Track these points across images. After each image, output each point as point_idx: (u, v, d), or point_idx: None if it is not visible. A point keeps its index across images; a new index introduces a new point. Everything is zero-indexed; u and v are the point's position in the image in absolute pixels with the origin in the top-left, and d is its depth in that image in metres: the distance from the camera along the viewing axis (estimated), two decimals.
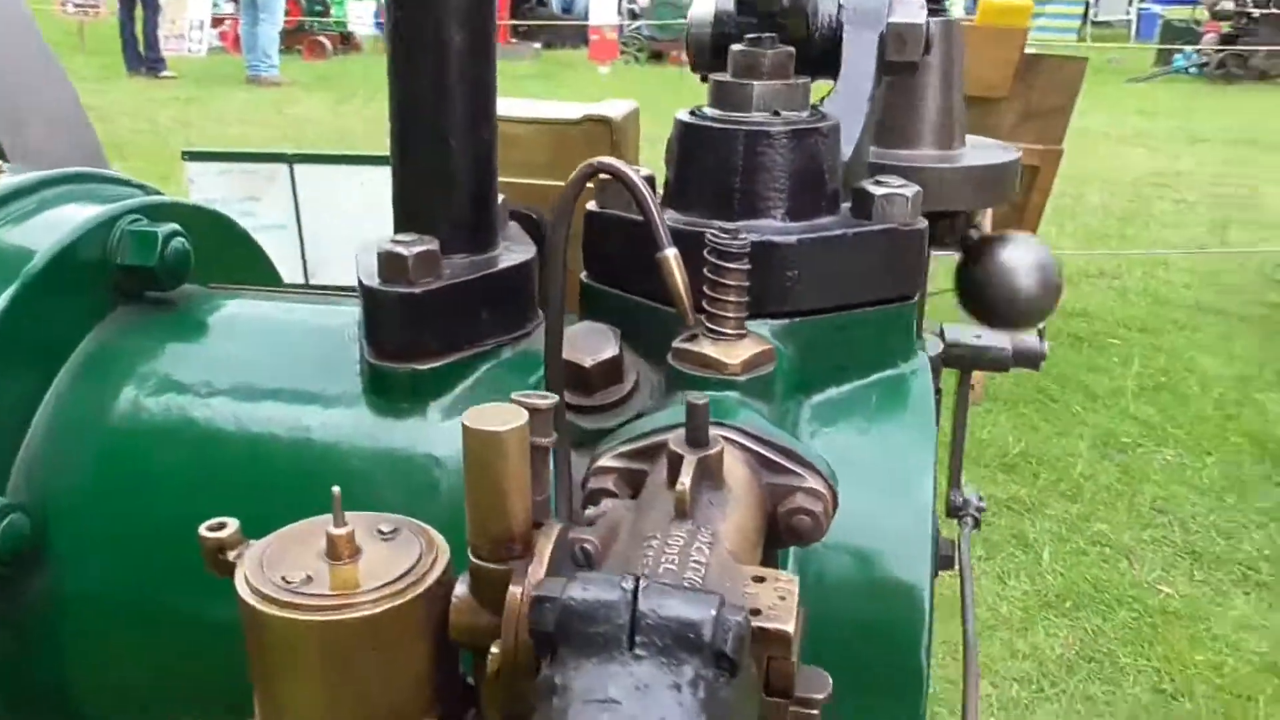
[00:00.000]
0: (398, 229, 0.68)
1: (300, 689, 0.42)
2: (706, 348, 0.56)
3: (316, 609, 0.41)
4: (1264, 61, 11.96)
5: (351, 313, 0.70)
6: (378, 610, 0.42)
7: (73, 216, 0.68)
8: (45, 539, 0.61)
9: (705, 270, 0.56)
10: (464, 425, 0.43)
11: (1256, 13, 12.07)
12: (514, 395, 0.43)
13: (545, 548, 0.43)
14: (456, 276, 0.64)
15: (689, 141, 0.63)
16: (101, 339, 0.68)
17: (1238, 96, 10.92)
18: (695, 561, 0.40)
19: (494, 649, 0.42)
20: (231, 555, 0.44)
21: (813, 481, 0.49)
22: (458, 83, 0.65)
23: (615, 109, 0.91)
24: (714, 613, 0.36)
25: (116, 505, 0.63)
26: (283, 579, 0.42)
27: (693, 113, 0.65)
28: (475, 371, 0.64)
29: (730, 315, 0.56)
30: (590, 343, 0.60)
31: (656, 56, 13.81)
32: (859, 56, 0.68)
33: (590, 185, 0.63)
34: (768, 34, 0.64)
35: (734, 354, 0.55)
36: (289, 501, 0.51)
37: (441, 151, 0.66)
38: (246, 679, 0.43)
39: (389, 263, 0.63)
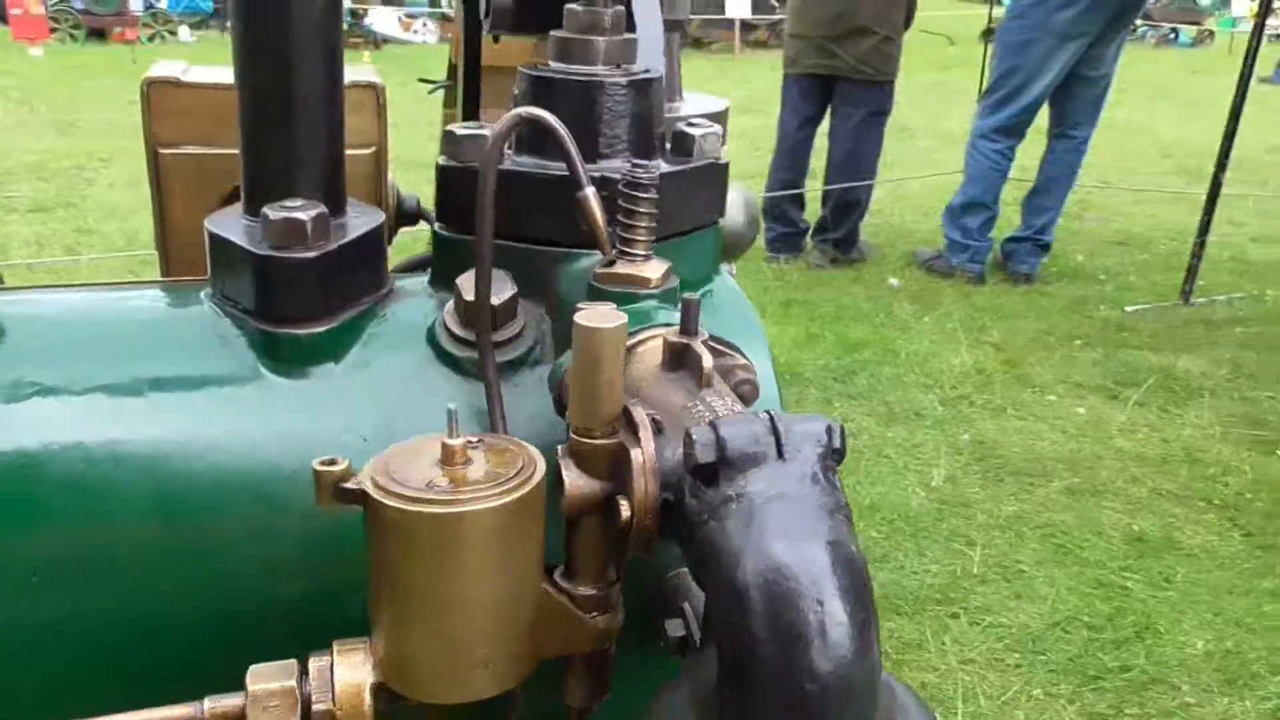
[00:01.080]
0: (251, 199, 0.69)
1: (449, 576, 0.49)
2: (626, 268, 0.64)
3: (460, 503, 0.49)
4: (697, 29, 13.40)
5: (191, 293, 0.71)
6: (513, 497, 0.50)
7: None
8: None
9: (620, 201, 0.65)
10: (579, 325, 0.52)
11: None
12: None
13: (643, 418, 0.53)
14: (341, 238, 0.66)
15: (541, 93, 0.69)
16: None
17: None
18: (739, 409, 0.54)
19: (623, 504, 0.52)
20: (352, 483, 0.50)
21: (742, 359, 0.63)
22: (313, 54, 0.67)
23: (370, 73, 0.95)
24: (827, 424, 0.50)
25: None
26: (427, 484, 0.49)
27: (536, 68, 0.73)
28: (364, 329, 0.67)
29: (642, 239, 0.65)
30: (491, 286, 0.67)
31: (97, 34, 12.58)
32: (648, 17, 0.80)
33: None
34: None
35: (649, 271, 0.64)
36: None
37: (304, 119, 0.68)
38: None
39: (286, 228, 0.64)
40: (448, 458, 0.51)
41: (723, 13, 11.98)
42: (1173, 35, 16.32)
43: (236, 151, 0.75)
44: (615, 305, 0.55)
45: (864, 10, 4.73)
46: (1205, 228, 4.75)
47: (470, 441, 0.52)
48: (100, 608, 0.60)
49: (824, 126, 5.16)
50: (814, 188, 5.36)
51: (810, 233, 5.22)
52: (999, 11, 7.01)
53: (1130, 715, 2.20)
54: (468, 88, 0.96)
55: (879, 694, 0.47)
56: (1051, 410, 3.63)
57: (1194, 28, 16.42)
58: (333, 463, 0.51)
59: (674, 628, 0.56)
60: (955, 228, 4.94)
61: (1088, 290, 4.87)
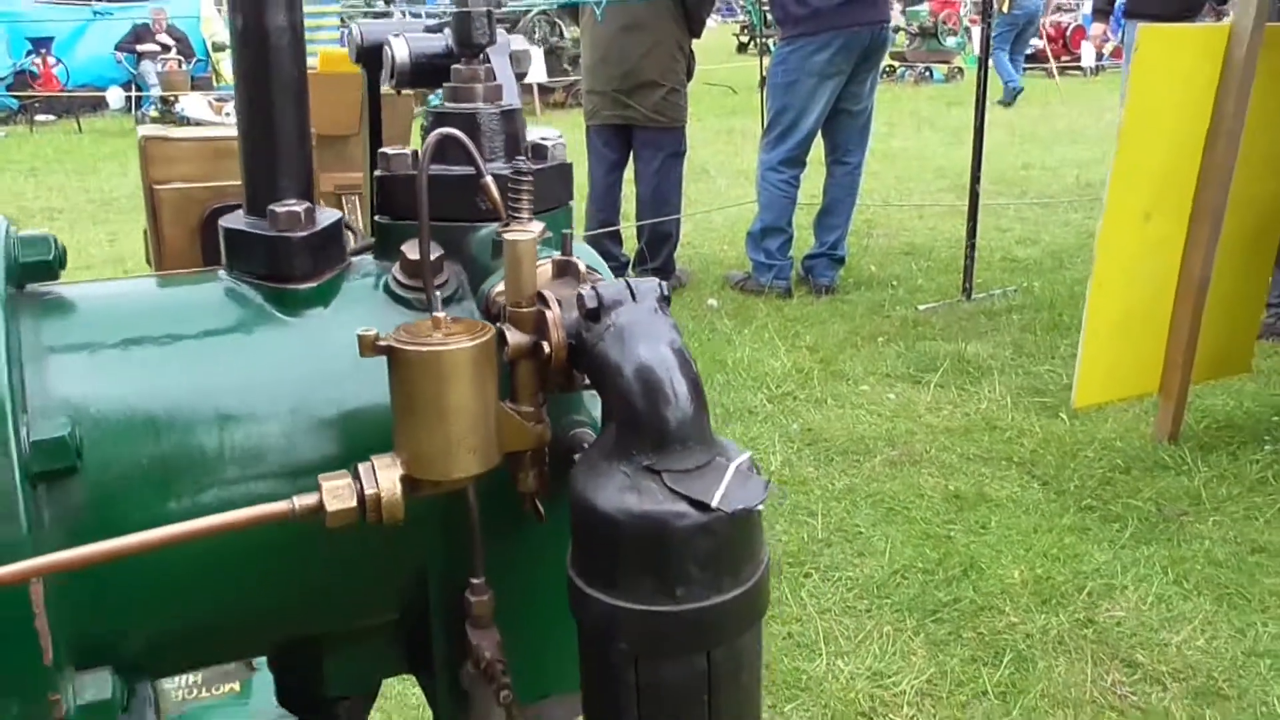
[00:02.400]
0: (253, 205, 0.88)
1: (446, 393, 0.67)
2: (522, 224, 0.85)
3: (451, 346, 0.67)
4: None
5: (209, 274, 0.88)
6: (480, 342, 0.69)
7: None
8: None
9: (508, 185, 0.86)
10: (511, 238, 0.71)
11: None
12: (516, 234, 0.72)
13: (550, 295, 0.73)
14: (318, 225, 0.86)
15: (443, 123, 0.91)
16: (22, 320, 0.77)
17: None
18: None
19: (544, 346, 0.71)
20: (381, 343, 0.68)
21: (598, 273, 0.83)
22: (290, 101, 0.87)
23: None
24: (658, 282, 0.73)
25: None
26: (430, 338, 0.67)
27: (436, 107, 0.94)
28: (339, 284, 0.86)
29: (526, 209, 0.86)
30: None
31: None
32: (504, 72, 1.02)
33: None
34: (474, 57, 0.94)
35: (534, 229, 0.85)
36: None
37: (286, 147, 0.87)
38: None
39: (289, 218, 0.83)
40: (438, 325, 0.70)
41: (523, 78, 12.40)
42: (928, 73, 17.67)
43: (210, 184, 1.01)
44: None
45: (648, 68, 5.18)
46: (973, 234, 5.28)
47: (451, 319, 0.71)
48: (180, 508, 0.75)
49: (629, 173, 5.52)
50: (628, 225, 5.69)
51: (631, 265, 5.53)
52: (768, 61, 7.57)
53: (967, 637, 2.48)
54: (373, 136, 1.15)
55: (710, 432, 0.69)
56: (866, 398, 3.97)
57: (945, 65, 17.82)
58: (369, 330, 0.69)
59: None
60: (758, 250, 5.34)
61: (883, 295, 5.31)
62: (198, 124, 13.22)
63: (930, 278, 5.63)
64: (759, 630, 0.71)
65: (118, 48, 14.42)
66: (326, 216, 0.90)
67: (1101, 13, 8.56)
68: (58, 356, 0.77)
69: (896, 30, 21.40)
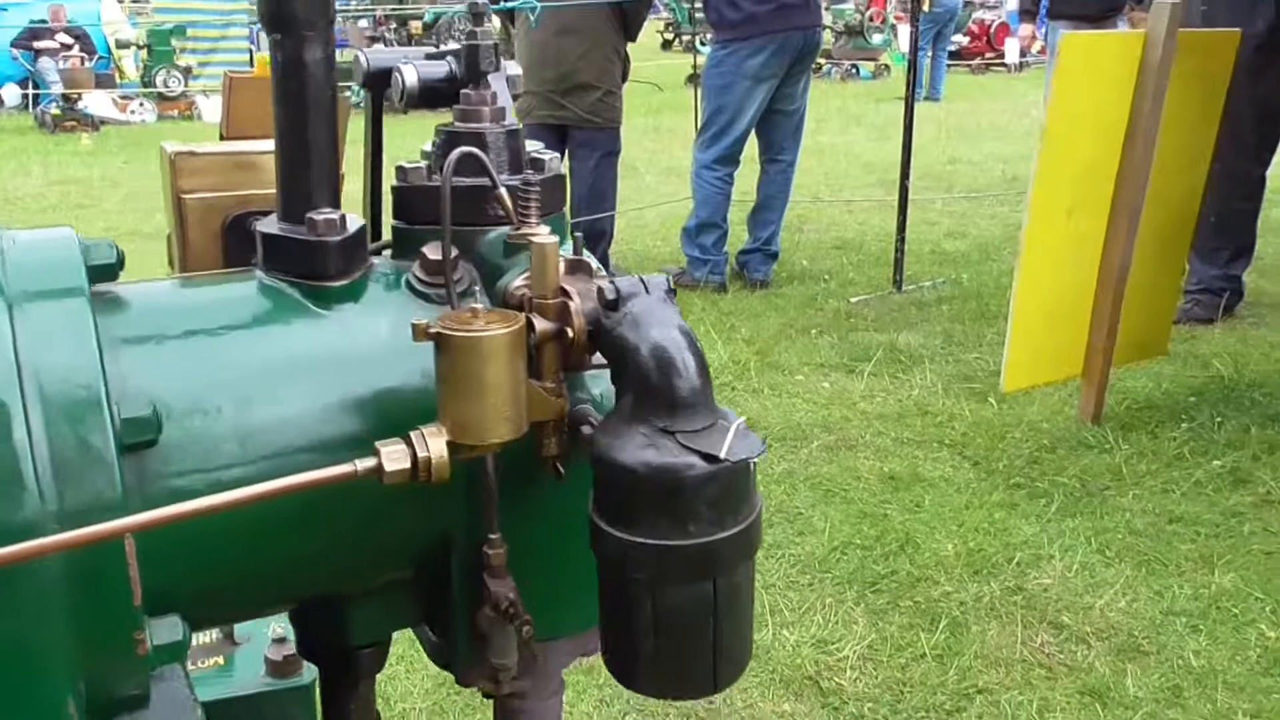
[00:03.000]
0: (288, 212, 0.98)
1: (486, 372, 0.78)
2: (527, 231, 0.97)
3: (491, 332, 0.79)
4: None
5: (246, 273, 0.98)
6: (513, 329, 0.80)
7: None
8: None
9: (518, 194, 0.97)
10: (537, 241, 0.83)
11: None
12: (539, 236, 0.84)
13: (571, 286, 0.85)
14: (349, 230, 0.98)
15: (456, 140, 1.03)
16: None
17: (395, 125, 12.49)
18: None
19: (569, 329, 0.83)
20: (431, 330, 0.79)
21: (603, 270, 0.96)
22: (322, 118, 0.97)
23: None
24: (666, 278, 0.85)
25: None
26: (472, 326, 0.79)
27: (448, 125, 1.05)
28: (366, 281, 0.95)
29: (534, 216, 0.98)
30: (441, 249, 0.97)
31: None
32: (504, 96, 1.14)
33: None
34: (480, 82, 1.06)
35: (542, 232, 0.98)
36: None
37: (318, 160, 0.98)
38: None
39: (326, 224, 0.94)
40: (477, 315, 0.81)
41: (518, 98, 12.49)
42: (854, 71, 18.02)
43: (231, 193, 1.13)
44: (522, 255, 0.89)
45: (584, 71, 5.30)
46: (903, 228, 5.49)
47: (486, 309, 0.83)
48: (242, 474, 0.86)
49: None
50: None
51: None
52: (701, 59, 7.74)
53: (904, 606, 2.64)
54: (374, 150, 1.25)
55: (713, 399, 0.82)
56: (802, 387, 4.14)
57: (871, 63, 18.19)
58: (420, 320, 0.81)
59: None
60: (694, 246, 5.50)
61: (816, 288, 5.49)
62: (103, 121, 13.06)
63: (861, 271, 5.82)
64: (753, 563, 0.84)
65: (14, 44, 14.17)
66: (354, 223, 1.01)
67: (1028, 14, 8.87)
68: (129, 346, 0.87)
69: (824, 29, 21.77)
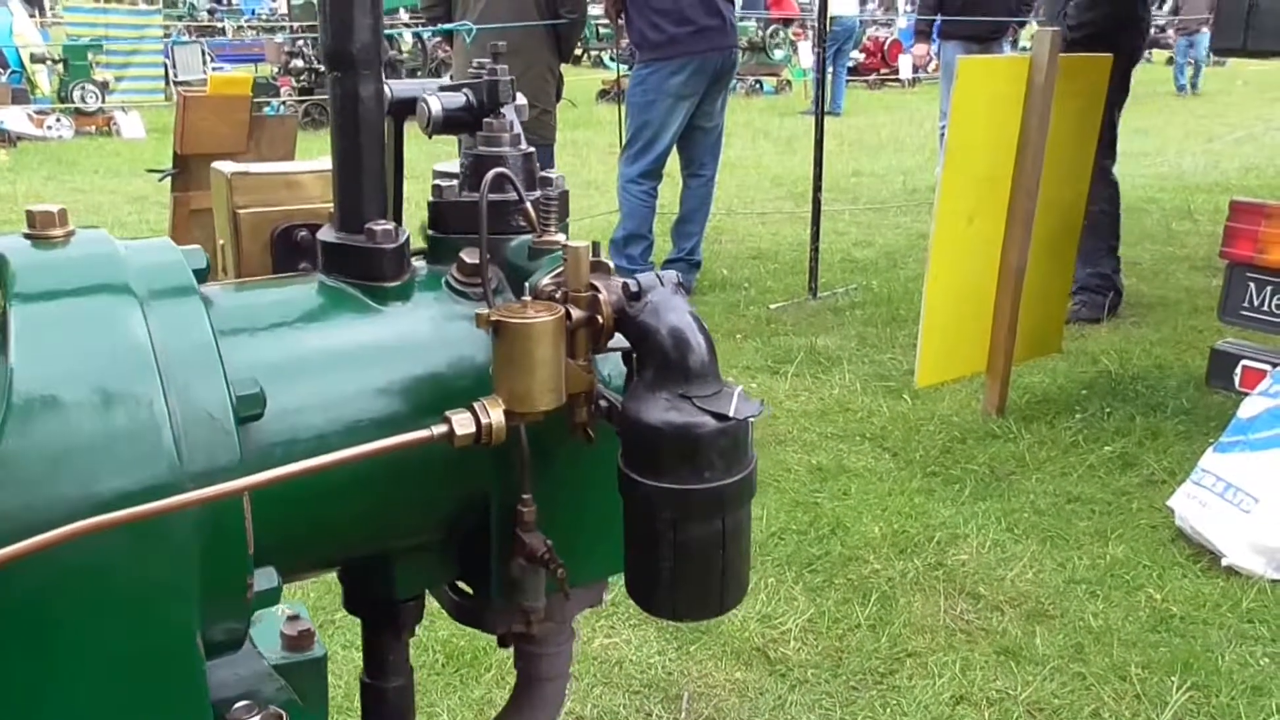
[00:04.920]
0: (345, 223, 1.15)
1: (535, 351, 0.96)
2: (549, 238, 1.16)
3: (539, 319, 0.97)
4: None
5: (307, 276, 1.15)
6: (555, 317, 0.99)
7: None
8: None
9: (539, 207, 1.16)
10: (573, 247, 1.02)
11: (322, 67, 13.93)
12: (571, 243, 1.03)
13: (603, 282, 1.04)
14: (400, 239, 1.15)
15: (482, 165, 1.21)
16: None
17: (327, 140, 12.49)
18: None
19: (599, 316, 1.02)
20: (490, 317, 0.97)
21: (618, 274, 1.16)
22: (374, 136, 1.13)
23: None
24: (677, 274, 1.03)
25: None
26: (523, 314, 0.98)
27: (472, 149, 1.22)
28: (413, 283, 1.12)
29: (554, 225, 1.17)
30: (476, 255, 1.15)
31: None
32: (515, 120, 1.32)
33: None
34: (496, 114, 1.24)
35: (560, 239, 1.16)
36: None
37: (371, 175, 1.15)
38: None
39: (383, 234, 1.11)
40: (526, 306, 1.00)
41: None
42: (758, 86, 18.46)
43: (280, 208, 1.28)
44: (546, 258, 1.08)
45: (521, 90, 5.42)
46: (816, 238, 5.77)
47: (533, 301, 1.02)
48: (326, 442, 1.02)
49: None
50: None
51: None
52: (609, 74, 7.97)
53: (839, 583, 2.88)
54: (396, 169, 1.41)
55: (719, 370, 1.01)
56: None
57: (774, 78, 18.66)
58: (487, 309, 0.98)
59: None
60: (621, 256, 5.71)
61: (736, 296, 5.74)
62: (19, 137, 12.81)
63: (778, 279, 6.10)
64: (750, 506, 1.05)
65: None
66: (402, 233, 1.19)
67: (922, 34, 9.28)
68: (227, 336, 1.03)
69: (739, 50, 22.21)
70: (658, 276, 1.05)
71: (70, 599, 0.82)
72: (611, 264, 1.12)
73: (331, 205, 1.25)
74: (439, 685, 2.45)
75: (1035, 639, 2.61)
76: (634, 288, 1.03)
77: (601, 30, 10.03)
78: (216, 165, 1.37)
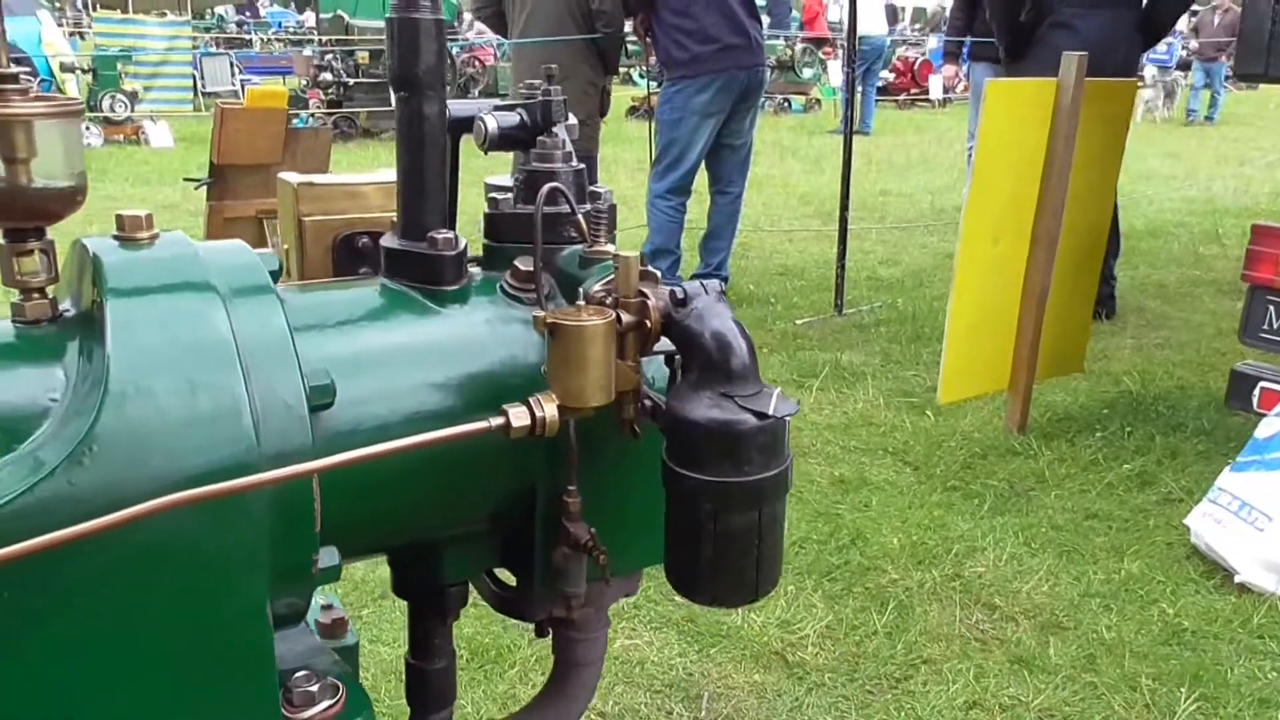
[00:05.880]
0: (408, 231, 1.24)
1: (588, 350, 1.03)
2: (599, 249, 1.24)
3: (593, 322, 1.05)
4: (367, 121, 14.02)
5: (370, 280, 1.24)
6: (607, 321, 1.07)
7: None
8: None
9: (590, 220, 1.24)
10: (624, 256, 1.10)
11: (351, 81, 14.13)
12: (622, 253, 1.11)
13: (651, 290, 1.12)
14: (459, 247, 1.24)
15: (535, 180, 1.29)
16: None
17: (355, 152, 12.65)
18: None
19: (647, 321, 1.10)
20: (546, 320, 1.05)
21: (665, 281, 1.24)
22: (438, 152, 1.23)
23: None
24: (719, 283, 1.12)
25: None
26: (578, 317, 1.06)
27: (525, 164, 1.31)
28: (470, 287, 1.19)
29: (604, 236, 1.25)
30: (530, 263, 1.23)
31: None
32: (566, 138, 1.40)
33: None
34: (549, 132, 1.32)
35: (609, 249, 1.24)
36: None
37: (434, 187, 1.24)
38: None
39: (445, 242, 1.20)
40: (580, 310, 1.08)
41: (389, 104, 12.67)
42: (786, 104, 18.56)
43: (342, 217, 1.36)
44: (596, 266, 1.16)
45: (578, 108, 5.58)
46: (842, 256, 5.84)
47: (587, 306, 1.10)
48: (389, 430, 1.10)
49: None
50: None
51: None
52: (639, 91, 8.05)
53: (857, 592, 2.94)
54: (451, 187, 1.48)
55: (758, 372, 1.08)
56: None
57: (803, 97, 18.75)
58: (543, 312, 1.07)
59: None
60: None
61: (763, 311, 5.82)
62: None
63: (804, 295, 6.17)
64: (785, 500, 1.12)
65: None
66: (460, 242, 1.27)
67: (951, 55, 9.35)
68: (301, 332, 1.11)
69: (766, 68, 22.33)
70: (702, 285, 1.13)
71: (156, 567, 0.89)
72: (658, 274, 1.20)
73: (390, 214, 1.35)
74: (463, 680, 2.53)
75: (1049, 649, 2.67)
76: (680, 295, 1.11)
77: (631, 47, 10.15)
78: (283, 175, 1.47)
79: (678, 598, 2.73)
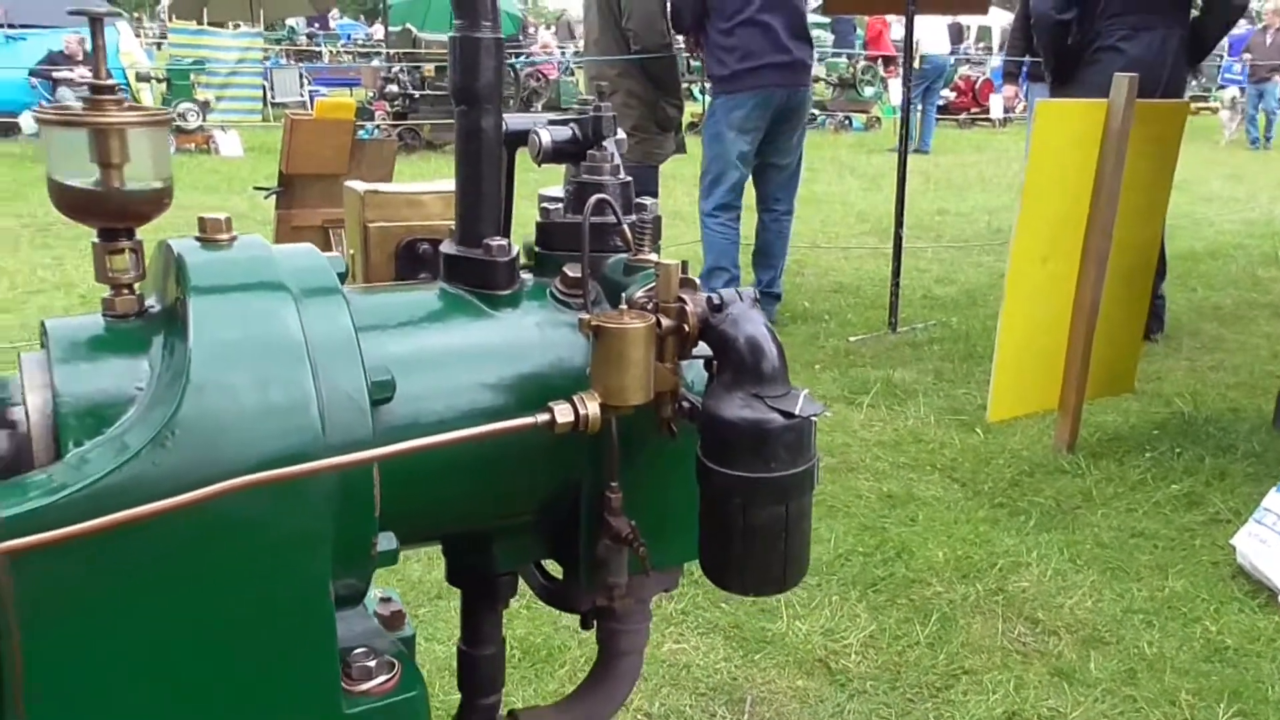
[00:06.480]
0: (465, 238, 1.32)
1: (628, 352, 1.11)
2: (645, 255, 1.32)
3: (633, 324, 1.12)
4: (431, 134, 14.26)
5: (429, 284, 1.33)
6: (647, 324, 1.14)
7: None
8: None
9: (635, 230, 1.32)
10: (664, 264, 1.17)
11: (417, 93, 14.41)
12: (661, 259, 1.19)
13: (690, 296, 1.19)
14: (513, 253, 1.32)
15: (585, 191, 1.37)
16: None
17: (418, 164, 12.87)
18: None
19: (685, 325, 1.17)
20: (591, 323, 1.13)
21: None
22: (495, 165, 1.31)
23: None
24: (753, 289, 1.18)
25: None
26: (621, 320, 1.13)
27: (575, 177, 1.39)
28: (522, 292, 1.26)
29: (648, 245, 1.33)
30: (578, 270, 1.31)
31: None
32: (615, 152, 1.47)
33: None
34: (598, 146, 1.40)
35: (652, 258, 1.32)
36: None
37: (490, 198, 1.32)
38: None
39: (499, 249, 1.28)
40: (622, 314, 1.16)
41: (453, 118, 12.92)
42: (847, 122, 18.55)
43: (404, 224, 1.45)
44: (640, 273, 1.24)
45: (622, 119, 5.69)
46: (896, 273, 5.87)
47: (629, 310, 1.18)
48: (444, 423, 1.17)
49: None
50: None
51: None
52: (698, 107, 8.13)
53: (901, 603, 2.98)
54: (507, 201, 1.55)
55: (788, 375, 1.15)
56: None
57: (863, 115, 18.73)
58: (589, 315, 1.14)
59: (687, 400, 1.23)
60: (706, 288, 5.85)
61: (816, 328, 5.86)
62: None
63: (858, 313, 6.20)
64: (811, 497, 1.19)
65: (32, 73, 14.35)
66: (513, 249, 1.36)
67: (1010, 75, 9.31)
68: (365, 331, 1.19)
69: (816, 81, 22.34)
70: (737, 293, 1.20)
71: (229, 543, 0.97)
72: (698, 281, 1.28)
73: (449, 222, 1.44)
74: (514, 678, 2.61)
75: (1089, 663, 2.69)
76: (716, 301, 1.18)
77: (692, 63, 10.28)
78: (350, 183, 1.56)
79: (724, 605, 2.80)
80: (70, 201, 1.06)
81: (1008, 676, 2.63)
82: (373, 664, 1.13)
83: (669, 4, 5.82)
